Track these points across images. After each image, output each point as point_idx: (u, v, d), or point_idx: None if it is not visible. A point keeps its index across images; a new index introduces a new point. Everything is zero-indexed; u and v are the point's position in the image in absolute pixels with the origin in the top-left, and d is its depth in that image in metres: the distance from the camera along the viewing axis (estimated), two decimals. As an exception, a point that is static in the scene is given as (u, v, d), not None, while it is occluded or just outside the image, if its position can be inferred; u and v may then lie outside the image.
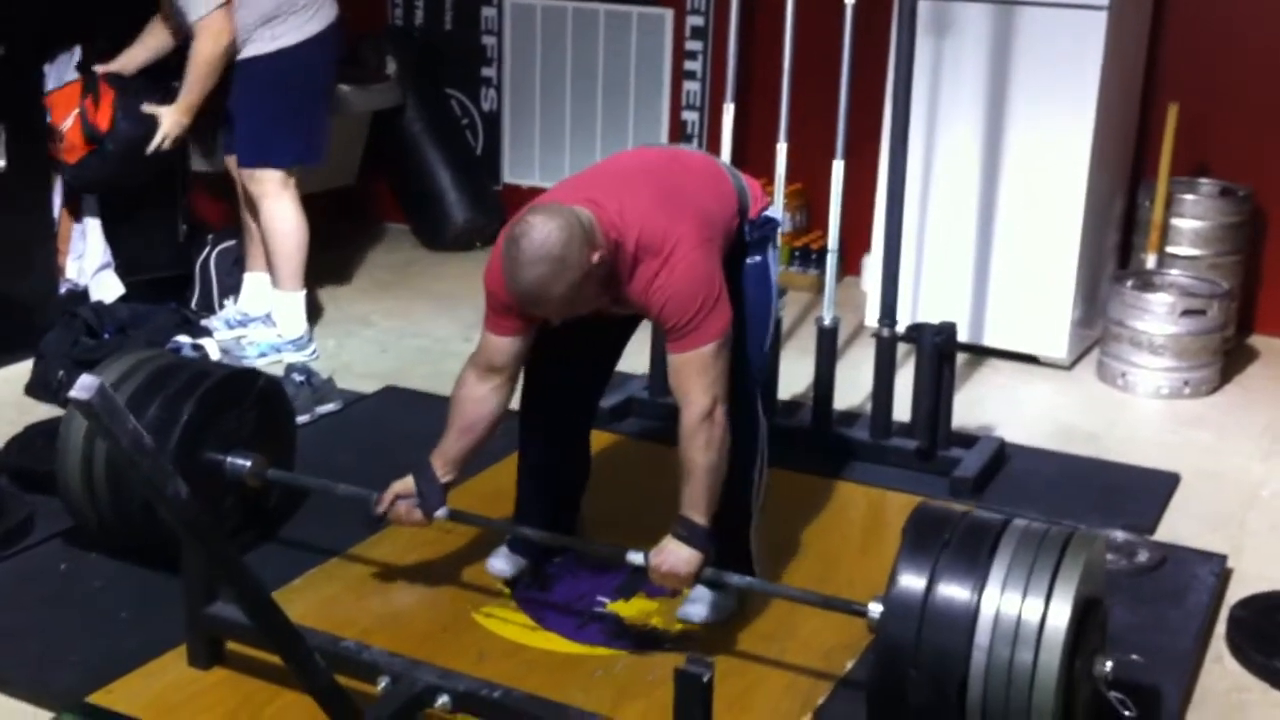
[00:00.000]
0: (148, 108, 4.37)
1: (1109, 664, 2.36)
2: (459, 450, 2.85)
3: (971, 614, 2.25)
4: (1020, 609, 2.23)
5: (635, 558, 2.74)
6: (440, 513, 2.87)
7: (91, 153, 4.41)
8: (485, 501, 3.26)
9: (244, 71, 4.36)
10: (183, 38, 4.38)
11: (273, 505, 3.28)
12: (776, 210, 3.04)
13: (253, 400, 3.16)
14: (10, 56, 4.30)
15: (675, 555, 2.67)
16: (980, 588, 2.26)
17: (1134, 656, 2.61)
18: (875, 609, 2.41)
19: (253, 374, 3.33)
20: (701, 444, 2.64)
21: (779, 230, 2.96)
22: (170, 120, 4.38)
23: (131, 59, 4.48)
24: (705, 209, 2.73)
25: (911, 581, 2.31)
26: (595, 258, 2.52)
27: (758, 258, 2.88)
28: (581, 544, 3.13)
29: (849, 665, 2.80)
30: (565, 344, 2.90)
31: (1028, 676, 2.19)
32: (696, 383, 2.63)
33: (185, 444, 2.95)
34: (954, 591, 2.28)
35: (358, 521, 3.18)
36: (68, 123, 4.40)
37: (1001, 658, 2.21)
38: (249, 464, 3.05)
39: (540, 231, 2.49)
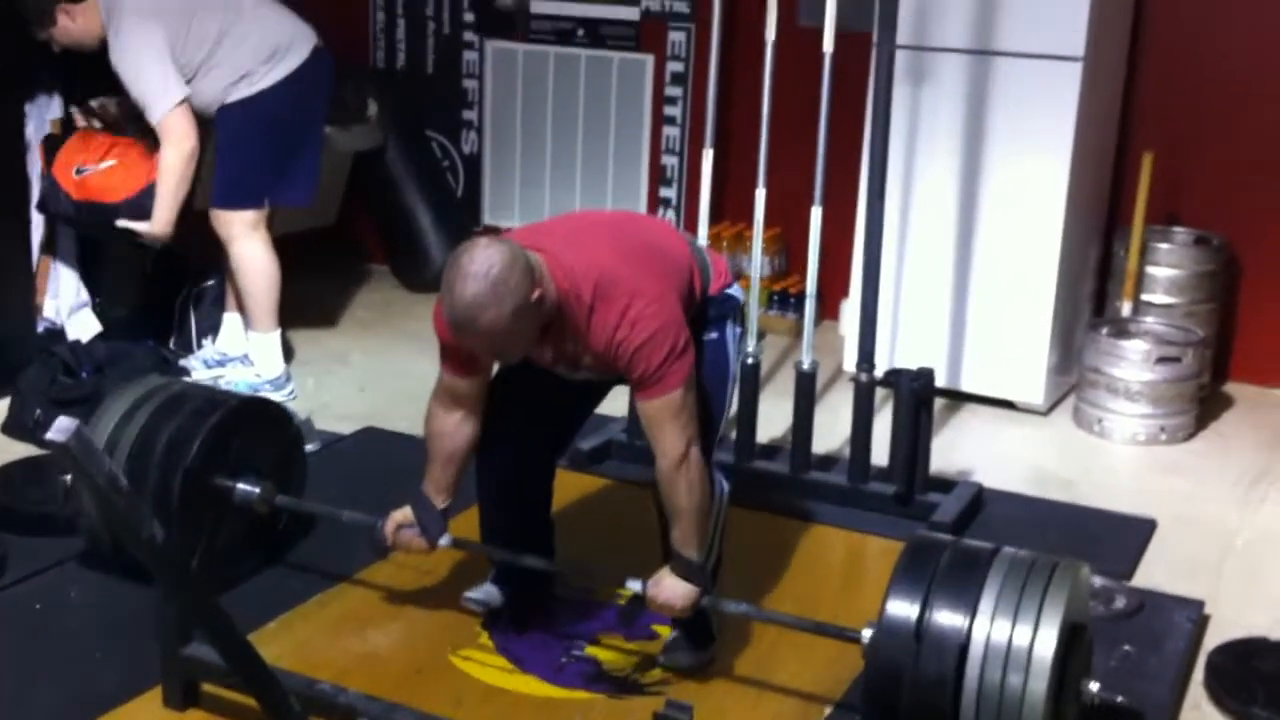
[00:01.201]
0: (121, 223, 4.36)
1: (1095, 685, 2.45)
2: (448, 478, 2.90)
3: (963, 639, 2.31)
4: (1010, 634, 2.30)
5: (634, 585, 2.77)
6: (444, 540, 2.91)
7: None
8: (476, 535, 3.28)
9: (219, 120, 4.36)
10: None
11: (281, 529, 3.32)
12: (755, 247, 3.04)
13: (263, 428, 3.24)
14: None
15: (672, 589, 2.70)
16: (971, 613, 2.33)
17: (1119, 698, 2.64)
18: (867, 634, 2.46)
19: (263, 402, 3.42)
20: (683, 489, 2.66)
21: (740, 309, 2.93)
22: (152, 235, 4.38)
23: (165, 231, 4.39)
24: (663, 262, 2.73)
25: (904, 607, 2.37)
26: (535, 295, 2.49)
27: (714, 334, 2.85)
28: (579, 576, 3.14)
29: (827, 712, 2.80)
30: (525, 410, 2.91)
31: (1018, 700, 2.26)
32: (669, 428, 2.63)
33: (196, 470, 3.02)
34: (945, 617, 2.34)
35: (361, 548, 3.21)
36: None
37: (992, 681, 2.28)
38: (258, 490, 3.11)
39: (483, 254, 2.47)
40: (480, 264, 2.45)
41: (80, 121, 4.54)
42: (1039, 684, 2.26)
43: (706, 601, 2.75)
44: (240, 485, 3.12)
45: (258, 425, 3.25)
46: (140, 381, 3.28)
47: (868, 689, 2.42)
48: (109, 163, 4.42)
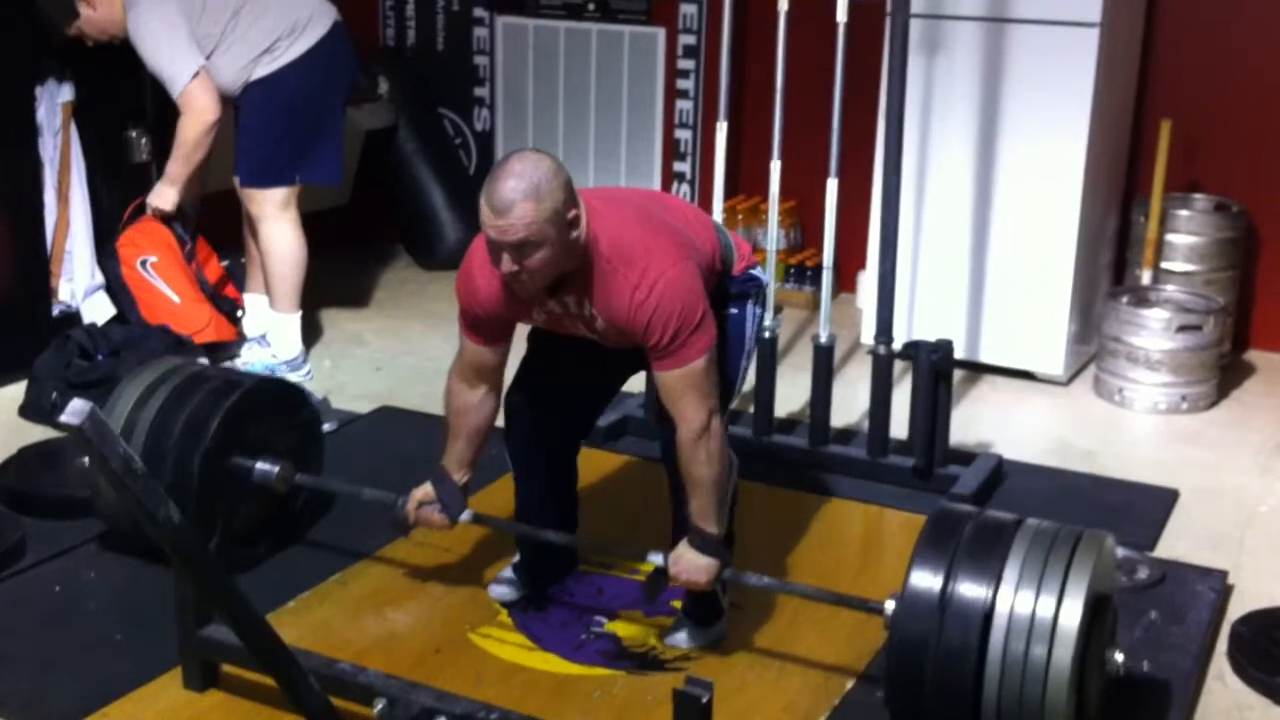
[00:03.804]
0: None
1: (1120, 656, 2.45)
2: (469, 454, 2.91)
3: (987, 609, 2.30)
4: (1035, 605, 2.28)
5: (655, 559, 2.77)
6: (464, 516, 2.93)
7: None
8: (494, 513, 3.28)
9: (243, 98, 4.38)
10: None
11: (299, 508, 3.33)
12: (764, 271, 3.02)
13: (280, 408, 3.25)
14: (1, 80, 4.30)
15: (694, 564, 2.70)
16: (996, 584, 2.32)
17: (1145, 665, 2.62)
18: (890, 606, 2.44)
19: (280, 383, 3.42)
20: (702, 459, 2.64)
21: (762, 289, 2.93)
22: (158, 195, 4.44)
23: (166, 198, 4.47)
24: (687, 238, 2.72)
25: (927, 577, 2.36)
26: (572, 213, 2.50)
27: (734, 310, 2.85)
28: (602, 548, 3.16)
29: (848, 686, 2.78)
30: (552, 383, 2.93)
31: (1042, 670, 2.25)
32: (689, 399, 2.62)
33: (215, 450, 3.02)
34: (969, 588, 2.33)
35: (378, 527, 3.23)
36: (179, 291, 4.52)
37: (1017, 652, 2.27)
38: (277, 469, 3.12)
39: (532, 157, 2.50)
40: (528, 164, 2.48)
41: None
42: (1064, 654, 2.25)
43: (728, 574, 2.75)
44: (259, 465, 3.12)
45: (275, 405, 3.24)
46: (156, 364, 3.28)
47: (891, 660, 2.41)
48: (174, 295, 4.49)
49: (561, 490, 3.10)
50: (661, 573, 2.77)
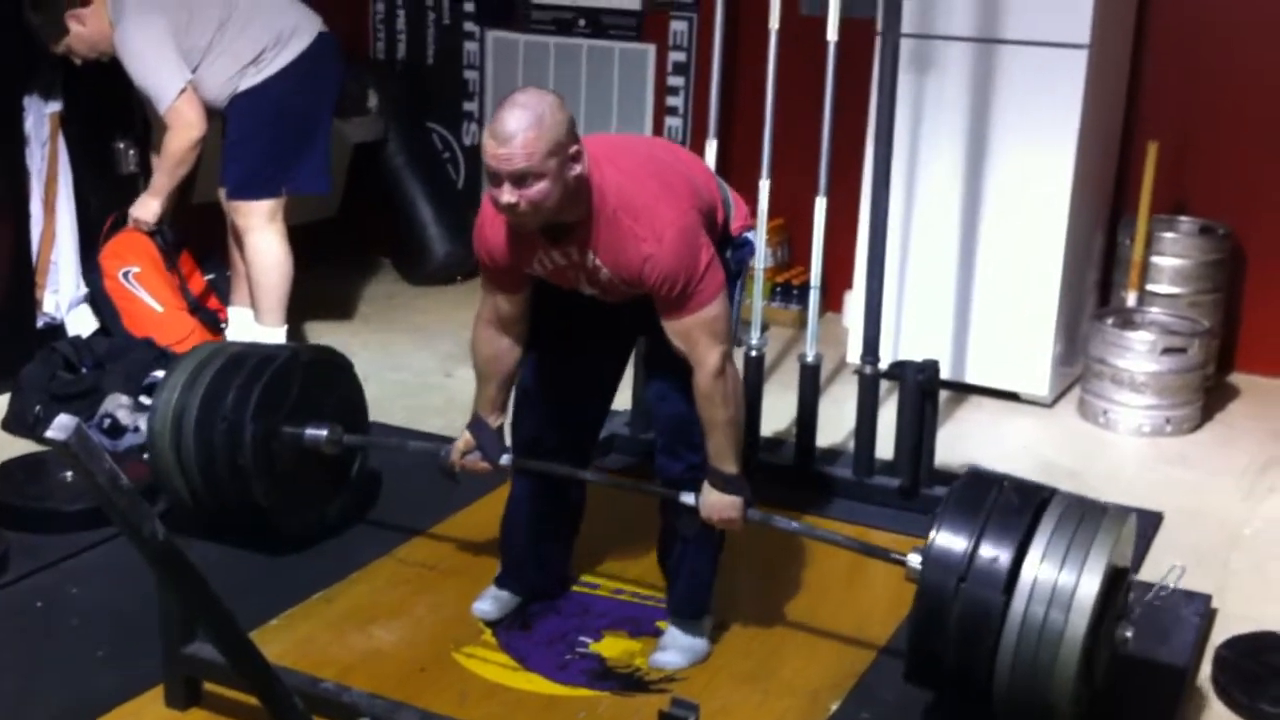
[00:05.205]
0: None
1: (1130, 632, 2.57)
2: (501, 397, 2.98)
3: (1011, 572, 2.42)
4: (1058, 573, 2.40)
5: (688, 498, 2.81)
6: (504, 459, 2.99)
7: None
8: (479, 533, 3.27)
9: (230, 109, 4.37)
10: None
11: (355, 475, 3.49)
12: (759, 240, 3.04)
13: (325, 374, 3.42)
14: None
15: (720, 503, 2.76)
16: (1023, 549, 2.43)
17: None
18: (914, 559, 2.54)
19: (325, 350, 3.58)
20: (719, 401, 2.68)
21: (750, 259, 2.97)
22: (141, 206, 4.44)
23: (149, 210, 4.48)
24: (694, 183, 2.75)
25: (953, 537, 2.48)
26: (574, 148, 2.54)
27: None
28: (631, 483, 3.20)
29: (833, 707, 2.78)
30: (563, 378, 2.96)
31: (1057, 636, 2.37)
32: (705, 342, 2.66)
33: (264, 419, 3.21)
34: (997, 549, 2.45)
35: (363, 544, 3.38)
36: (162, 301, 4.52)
37: (1036, 615, 2.38)
38: (325, 433, 3.27)
39: (536, 91, 2.57)
40: (532, 97, 2.54)
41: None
42: (1079, 622, 2.36)
43: (757, 516, 2.81)
44: (308, 430, 3.25)
45: (320, 373, 3.40)
46: (196, 349, 3.46)
47: (916, 613, 2.50)
48: (156, 305, 4.49)
49: (568, 496, 3.13)
50: (693, 512, 2.82)
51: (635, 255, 2.61)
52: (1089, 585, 2.38)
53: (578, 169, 2.55)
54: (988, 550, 2.45)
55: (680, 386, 2.77)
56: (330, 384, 3.42)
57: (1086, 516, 2.49)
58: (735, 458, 2.75)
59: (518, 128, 2.48)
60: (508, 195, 2.52)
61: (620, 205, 2.61)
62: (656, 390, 2.88)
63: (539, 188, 2.50)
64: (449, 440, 3.10)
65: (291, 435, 3.25)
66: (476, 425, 2.99)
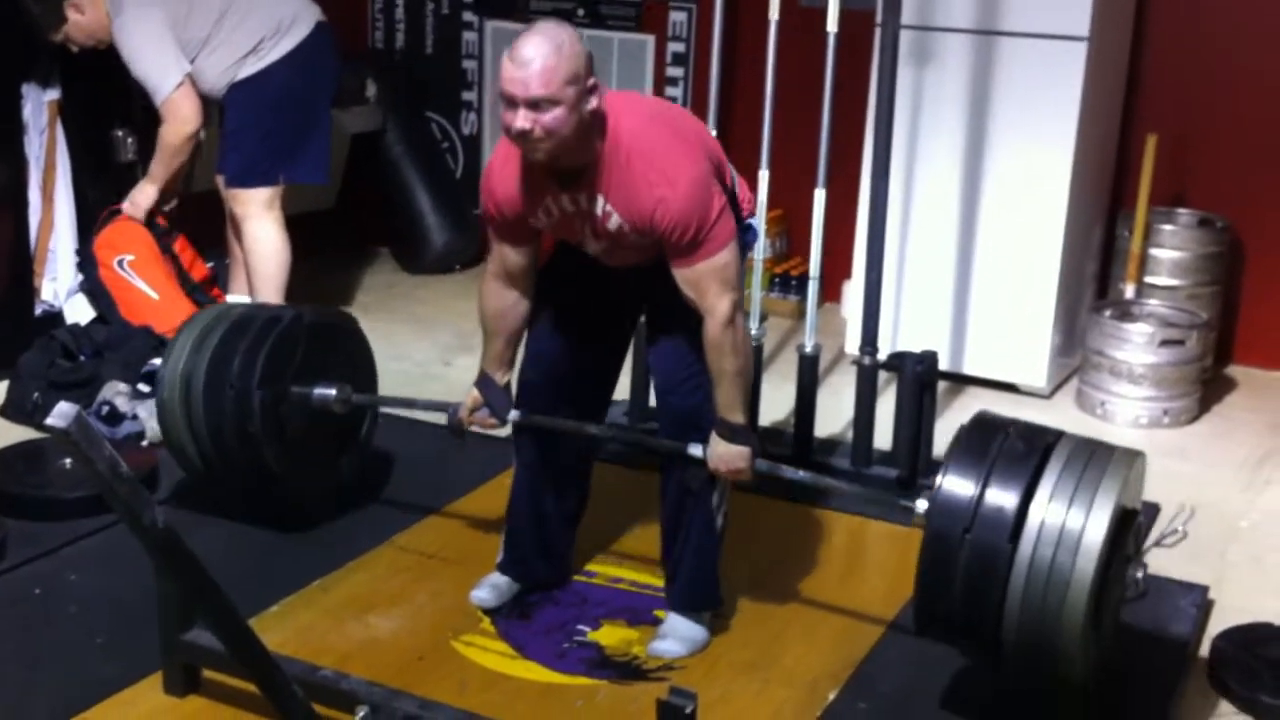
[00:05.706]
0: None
1: (1140, 573, 2.56)
2: (508, 353, 3.00)
3: (1018, 515, 2.41)
4: (1065, 516, 2.38)
5: (695, 450, 2.82)
6: (512, 415, 3.01)
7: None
8: (478, 522, 3.26)
9: (229, 98, 4.38)
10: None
11: (364, 434, 3.54)
12: (758, 225, 3.04)
13: (332, 336, 3.44)
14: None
15: (728, 453, 2.77)
16: (1030, 491, 2.42)
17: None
18: (921, 505, 2.55)
19: (333, 312, 3.63)
20: (729, 349, 2.69)
21: (754, 244, 2.98)
22: (139, 192, 4.44)
23: (146, 196, 4.48)
24: (704, 141, 2.76)
25: (960, 482, 2.47)
26: (591, 81, 2.54)
27: None
28: (639, 437, 3.24)
29: (831, 696, 2.78)
30: (564, 357, 2.95)
31: (1065, 579, 2.36)
32: (714, 289, 2.66)
33: (270, 384, 3.22)
34: (1003, 494, 2.44)
35: (364, 530, 3.38)
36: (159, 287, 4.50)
37: (1044, 559, 2.37)
38: (334, 392, 3.31)
39: (556, 23, 2.57)
40: (552, 27, 2.54)
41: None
42: (1087, 565, 2.35)
43: (765, 466, 2.83)
44: (317, 390, 3.29)
45: (325, 333, 3.42)
46: (202, 313, 3.46)
47: (923, 562, 2.48)
48: (152, 292, 4.46)
49: (573, 481, 3.13)
50: (701, 463, 2.82)
51: (648, 199, 2.61)
52: (1097, 526, 2.36)
53: (594, 103, 2.55)
54: (994, 497, 2.43)
55: (685, 377, 2.77)
56: (336, 344, 3.44)
57: (1095, 457, 2.47)
58: (743, 408, 2.76)
59: (536, 53, 2.49)
60: (522, 120, 2.51)
61: (634, 151, 2.61)
62: (662, 383, 2.89)
63: (555, 114, 2.50)
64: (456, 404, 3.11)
65: (300, 396, 3.28)
66: (484, 382, 3.01)
